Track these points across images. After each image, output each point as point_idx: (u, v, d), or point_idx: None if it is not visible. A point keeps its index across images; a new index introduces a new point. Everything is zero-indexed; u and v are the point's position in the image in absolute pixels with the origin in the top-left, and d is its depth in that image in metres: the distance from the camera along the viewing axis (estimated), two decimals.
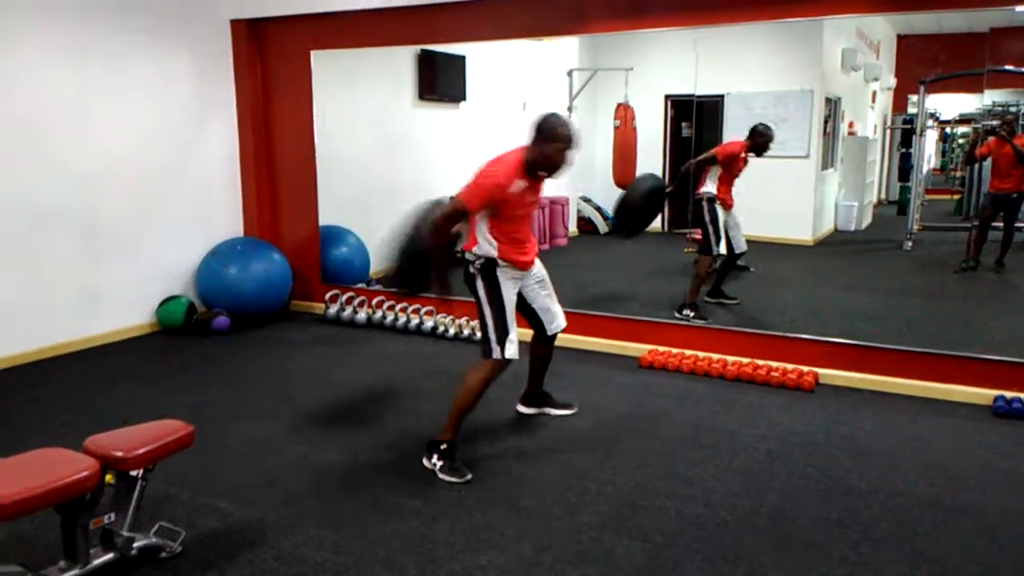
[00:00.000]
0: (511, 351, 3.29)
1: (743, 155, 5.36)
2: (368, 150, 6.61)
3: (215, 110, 5.89)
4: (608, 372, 4.63)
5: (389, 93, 6.75)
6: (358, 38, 5.58)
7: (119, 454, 2.41)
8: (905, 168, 7.40)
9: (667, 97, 7.47)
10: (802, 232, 6.83)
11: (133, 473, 2.45)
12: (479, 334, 3.42)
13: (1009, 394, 3.97)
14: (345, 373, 4.67)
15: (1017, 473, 3.28)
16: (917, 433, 3.73)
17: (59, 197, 4.89)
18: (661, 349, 4.82)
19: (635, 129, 7.36)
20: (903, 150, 7.60)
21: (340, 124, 6.22)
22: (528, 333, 3.67)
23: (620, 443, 3.60)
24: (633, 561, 2.61)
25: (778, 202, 6.70)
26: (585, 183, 8.15)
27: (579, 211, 8.50)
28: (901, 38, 7.50)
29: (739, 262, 5.77)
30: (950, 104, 7.29)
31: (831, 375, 4.41)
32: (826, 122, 6.72)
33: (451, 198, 3.28)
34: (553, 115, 3.22)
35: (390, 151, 6.76)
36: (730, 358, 4.63)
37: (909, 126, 7.12)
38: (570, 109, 7.68)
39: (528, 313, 3.58)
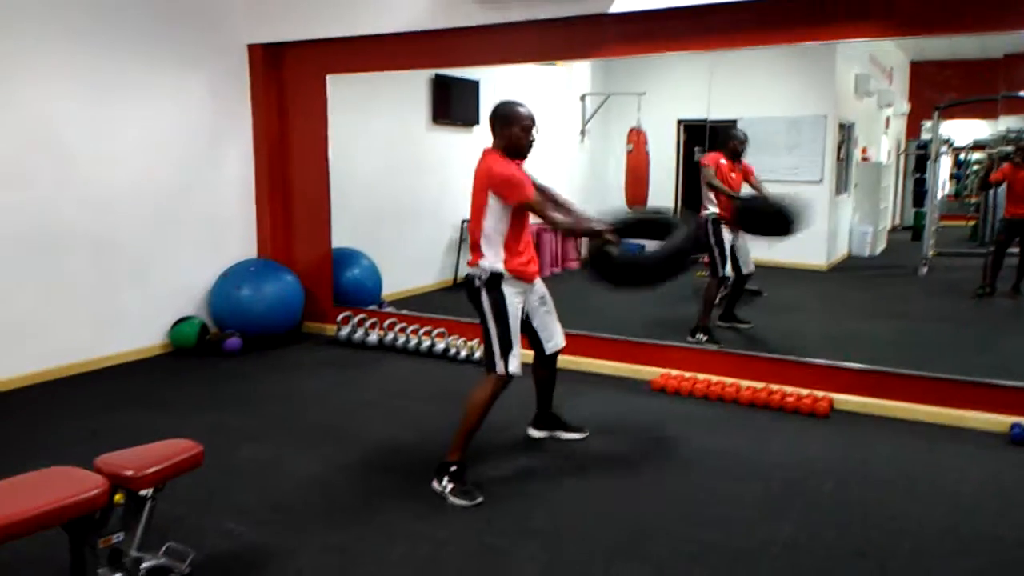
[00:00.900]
0: (514, 366, 3.28)
1: (724, 162, 5.34)
2: (382, 173, 6.65)
3: (231, 133, 5.96)
4: (620, 396, 4.60)
5: (403, 117, 6.80)
6: (373, 62, 5.64)
7: (129, 473, 2.40)
8: (919, 193, 7.37)
9: (679, 122, 7.48)
10: (816, 257, 6.78)
11: (143, 492, 2.44)
12: (481, 350, 3.39)
13: None
14: (356, 395, 4.66)
15: None
16: (933, 460, 3.67)
17: (76, 218, 4.95)
18: (674, 373, 4.79)
19: (648, 153, 7.37)
20: (917, 175, 7.57)
21: (355, 147, 6.26)
22: (531, 354, 3.66)
23: (632, 467, 3.57)
24: None
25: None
26: (598, 207, 8.15)
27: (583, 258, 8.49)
28: (914, 64, 7.49)
29: (751, 287, 5.74)
30: (964, 130, 7.26)
31: (846, 400, 4.36)
32: (839, 147, 6.70)
33: (523, 205, 3.27)
34: (504, 103, 3.37)
35: (404, 174, 6.81)
36: (744, 382, 4.59)
37: (923, 151, 7.09)
38: (583, 133, 7.72)
39: (529, 331, 3.55)
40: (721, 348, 4.99)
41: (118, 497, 2.42)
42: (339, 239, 6.15)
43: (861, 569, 2.70)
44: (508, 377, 3.30)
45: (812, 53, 5.93)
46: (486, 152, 3.38)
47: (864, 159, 7.32)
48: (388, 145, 6.71)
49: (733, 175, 5.36)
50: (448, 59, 5.58)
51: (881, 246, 7.58)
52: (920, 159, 7.36)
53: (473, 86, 6.91)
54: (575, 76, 7.80)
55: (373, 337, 5.71)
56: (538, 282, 3.53)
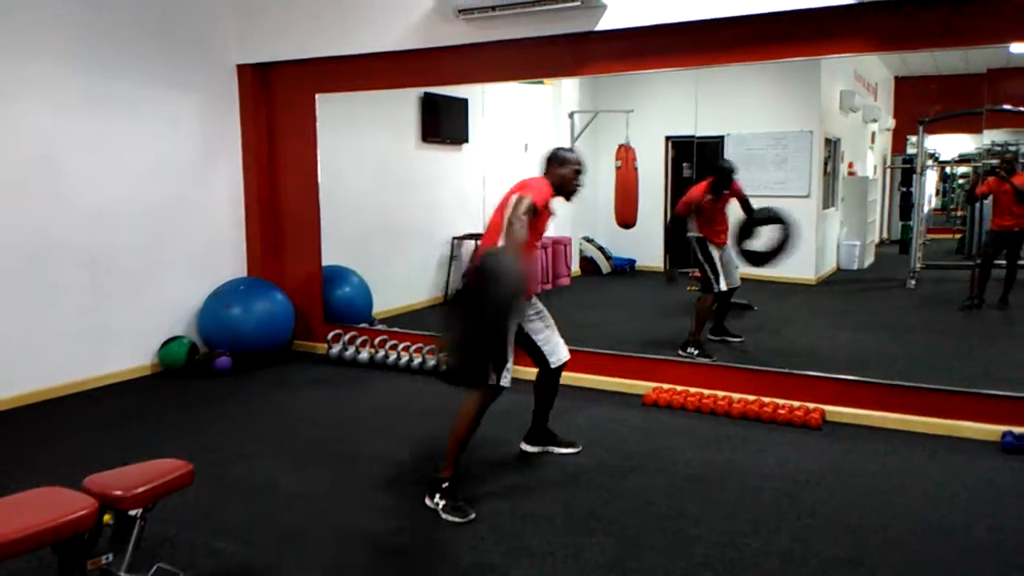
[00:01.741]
0: (506, 380, 3.29)
1: (706, 198, 5.39)
2: (372, 191, 6.66)
3: (221, 152, 5.96)
4: (612, 410, 4.59)
5: (393, 136, 6.82)
6: (362, 81, 5.66)
7: (118, 493, 2.37)
8: (906, 207, 7.42)
9: (668, 138, 7.53)
10: (805, 271, 6.81)
11: (132, 513, 2.41)
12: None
13: (1017, 429, 3.93)
14: (346, 413, 4.63)
15: None
16: (926, 470, 3.68)
17: (65, 238, 4.93)
18: (666, 387, 4.79)
19: (636, 170, 7.41)
20: (903, 189, 7.63)
21: (344, 166, 6.28)
22: (534, 372, 3.65)
23: (626, 481, 3.55)
24: None
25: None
26: (588, 223, 8.18)
27: (582, 251, 8.52)
28: (899, 80, 7.58)
29: (742, 301, 5.76)
30: (949, 145, 7.33)
31: (838, 412, 4.37)
32: (826, 162, 6.76)
33: (517, 202, 3.15)
34: (561, 148, 3.56)
35: (393, 192, 6.82)
36: (736, 395, 4.60)
37: (909, 165, 7.16)
38: (571, 150, 7.74)
39: (530, 347, 3.57)
40: (713, 362, 4.99)
41: (107, 517, 2.40)
42: (329, 257, 6.14)
43: None
44: (500, 390, 3.30)
45: (797, 70, 6.00)
46: (533, 177, 3.44)
47: (851, 173, 7.38)
48: (378, 163, 6.72)
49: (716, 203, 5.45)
50: (436, 78, 5.61)
51: (869, 260, 7.62)
52: (906, 173, 7.43)
53: (462, 104, 6.94)
54: (563, 94, 7.85)
55: (364, 355, 5.69)
56: (533, 299, 3.54)
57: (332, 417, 4.55)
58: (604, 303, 7.55)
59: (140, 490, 2.41)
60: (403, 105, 6.72)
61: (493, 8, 4.74)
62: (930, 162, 7.03)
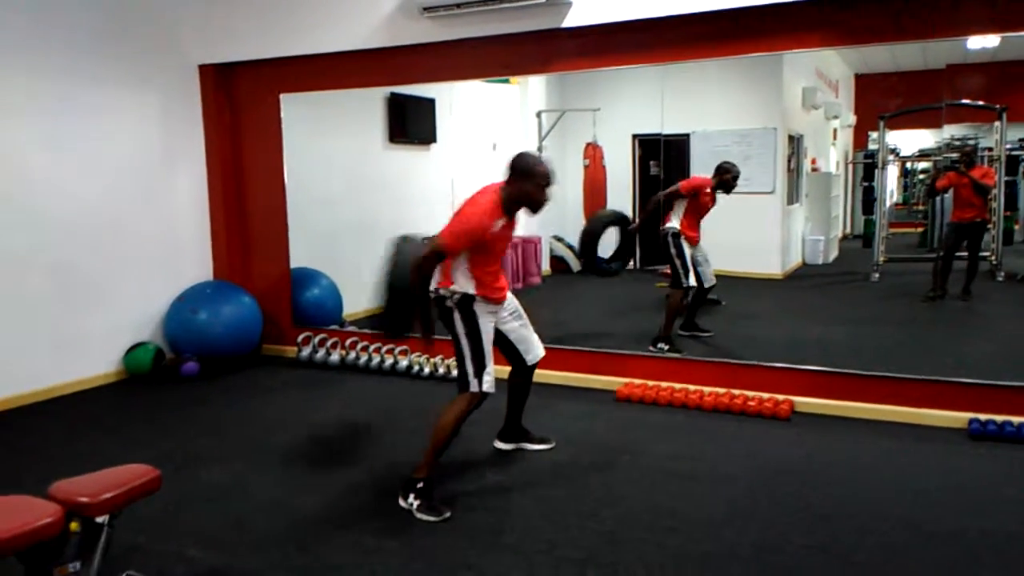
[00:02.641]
0: (488, 384, 3.28)
1: (708, 191, 5.42)
2: (340, 193, 6.61)
3: (184, 155, 5.86)
4: (586, 406, 4.60)
5: (360, 136, 6.77)
6: (327, 81, 5.61)
7: (84, 499, 2.32)
8: (869, 201, 7.56)
9: (634, 136, 7.58)
10: (771, 266, 6.89)
11: (99, 519, 2.36)
12: (456, 369, 3.38)
13: (983, 416, 4.00)
14: (318, 415, 4.58)
15: (997, 494, 3.29)
16: (894, 457, 3.73)
17: (25, 244, 4.81)
18: (638, 382, 4.81)
19: (604, 168, 7.45)
20: (866, 184, 7.77)
21: (311, 167, 6.22)
22: (505, 370, 3.64)
23: (600, 476, 3.56)
24: None
25: (747, 237, 6.77)
26: (557, 222, 8.20)
27: (552, 250, 8.54)
28: (859, 77, 7.72)
29: (710, 296, 5.81)
30: (910, 140, 7.48)
31: (807, 403, 4.42)
32: (790, 159, 6.85)
33: (429, 240, 3.25)
34: (528, 153, 3.32)
35: (362, 193, 6.77)
36: (706, 389, 4.63)
37: (871, 161, 7.29)
38: (540, 149, 7.76)
39: (505, 346, 3.56)
40: (683, 356, 5.03)
41: (74, 525, 2.34)
42: (298, 259, 6.07)
43: (829, 565, 2.72)
44: (482, 395, 3.29)
45: (760, 67, 6.08)
46: (486, 188, 3.31)
47: (814, 169, 7.49)
48: (345, 164, 6.67)
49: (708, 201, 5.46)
50: (403, 77, 5.58)
51: (834, 254, 7.74)
52: (868, 168, 7.56)
53: (429, 104, 6.92)
54: (530, 93, 7.86)
55: (335, 357, 5.64)
56: (509, 298, 3.53)
57: (303, 420, 4.49)
58: (575, 301, 7.57)
59: (107, 496, 2.36)
60: (370, 105, 6.68)
61: (458, 5, 4.72)
62: (891, 157, 7.16)
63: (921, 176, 7.92)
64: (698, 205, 5.44)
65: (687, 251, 5.40)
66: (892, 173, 7.56)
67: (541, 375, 4.93)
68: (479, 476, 3.59)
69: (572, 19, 4.63)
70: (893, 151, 7.25)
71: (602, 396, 4.79)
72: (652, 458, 3.77)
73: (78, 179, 5.11)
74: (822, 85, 7.35)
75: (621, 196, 7.39)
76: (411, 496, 3.20)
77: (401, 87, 6.15)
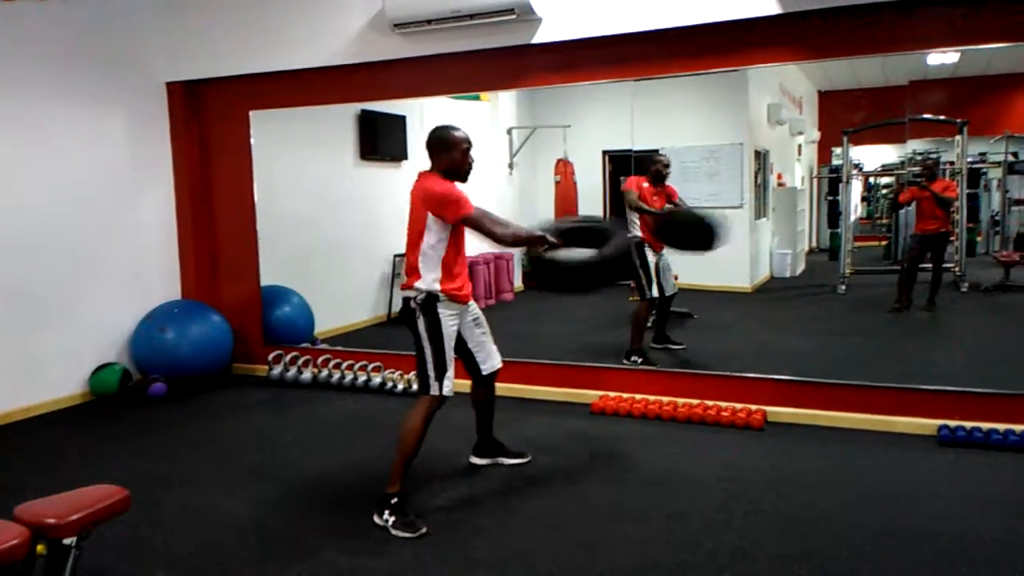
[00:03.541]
0: (448, 387, 3.28)
1: (646, 185, 5.43)
2: (310, 210, 6.56)
3: (151, 173, 5.79)
4: (561, 419, 4.60)
5: (331, 154, 6.74)
6: (297, 98, 5.59)
7: (51, 521, 2.26)
8: (834, 215, 7.69)
9: (605, 152, 7.66)
10: (740, 280, 6.97)
11: (67, 541, 2.30)
12: (416, 371, 3.36)
13: (953, 423, 4.06)
14: (289, 434, 4.52)
15: (968, 498, 3.33)
16: (867, 465, 3.77)
17: None
18: (612, 394, 4.82)
19: (575, 184, 7.50)
20: (831, 198, 7.90)
21: (281, 184, 6.17)
22: (466, 384, 3.63)
23: (575, 489, 3.55)
24: None
25: (716, 251, 6.86)
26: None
27: (524, 266, 8.55)
28: (822, 94, 7.87)
29: (682, 309, 5.83)
30: (873, 156, 7.64)
31: (779, 412, 4.46)
32: (756, 174, 6.95)
33: (458, 218, 3.26)
34: (439, 127, 3.44)
35: (333, 210, 6.74)
36: (680, 400, 4.65)
37: (835, 175, 7.42)
38: (511, 166, 7.80)
39: (464, 354, 3.54)
40: (657, 368, 5.05)
41: (40, 547, 2.28)
42: (268, 277, 6.01)
43: (806, 573, 2.73)
44: (442, 399, 3.28)
45: (727, 84, 6.18)
46: (422, 175, 3.39)
47: (780, 184, 7.61)
48: (316, 182, 6.63)
49: (655, 198, 5.45)
50: (374, 93, 5.57)
51: (801, 267, 7.85)
52: (832, 183, 7.70)
53: (400, 121, 6.92)
54: (501, 110, 7.91)
55: (307, 375, 5.57)
56: (472, 304, 3.52)
57: (274, 439, 4.43)
58: (548, 316, 7.57)
59: (74, 517, 2.30)
60: (340, 123, 6.66)
61: (429, 22, 4.74)
62: (855, 172, 7.30)
63: (884, 191, 8.09)
64: (648, 204, 5.45)
65: (651, 260, 5.39)
66: (856, 188, 7.70)
67: (515, 389, 4.95)
68: (455, 491, 3.56)
69: (542, 35, 4.67)
70: (857, 166, 7.39)
71: (578, 409, 4.79)
72: (628, 470, 3.77)
73: (41, 198, 5.02)
74: (786, 102, 7.49)
75: (592, 211, 7.43)
76: (386, 513, 3.16)
77: (372, 104, 6.13)
